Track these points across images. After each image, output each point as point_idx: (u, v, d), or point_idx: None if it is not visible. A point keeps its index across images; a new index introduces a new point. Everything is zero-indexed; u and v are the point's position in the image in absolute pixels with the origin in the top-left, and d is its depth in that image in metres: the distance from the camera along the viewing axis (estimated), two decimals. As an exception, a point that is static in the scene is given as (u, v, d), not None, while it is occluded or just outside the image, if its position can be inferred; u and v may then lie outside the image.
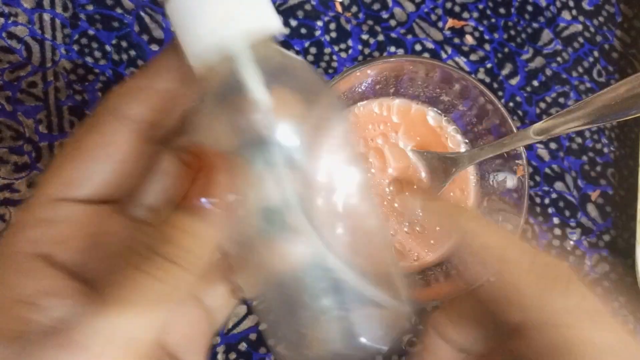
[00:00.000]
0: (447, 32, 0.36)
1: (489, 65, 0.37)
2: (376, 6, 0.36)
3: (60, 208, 0.19)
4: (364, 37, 0.36)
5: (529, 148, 0.36)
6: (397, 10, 0.36)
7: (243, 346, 0.32)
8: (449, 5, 0.37)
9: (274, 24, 0.15)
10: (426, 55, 0.36)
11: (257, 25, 0.15)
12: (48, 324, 0.18)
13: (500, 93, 0.37)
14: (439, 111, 0.33)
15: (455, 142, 0.33)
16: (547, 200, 0.36)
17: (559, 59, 0.38)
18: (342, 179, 0.16)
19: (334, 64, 0.35)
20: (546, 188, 0.36)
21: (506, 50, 0.37)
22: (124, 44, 0.33)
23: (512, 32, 0.37)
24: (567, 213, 0.36)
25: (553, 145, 0.37)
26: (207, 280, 0.20)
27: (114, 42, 0.33)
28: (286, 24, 0.35)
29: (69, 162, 0.19)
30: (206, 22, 0.15)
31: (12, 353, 0.16)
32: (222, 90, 0.16)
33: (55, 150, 0.32)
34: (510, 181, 0.30)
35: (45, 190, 0.19)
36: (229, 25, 0.15)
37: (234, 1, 0.15)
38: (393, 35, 0.36)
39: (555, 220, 0.36)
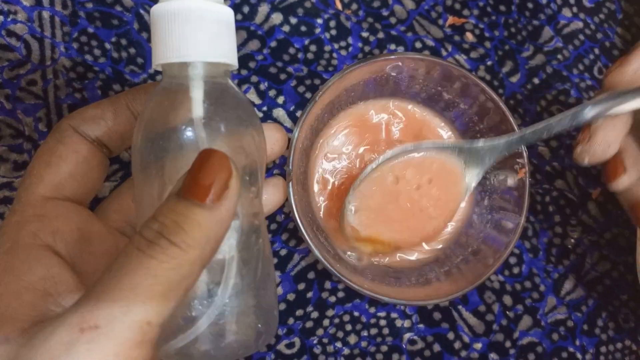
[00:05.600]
0: (448, 30, 0.36)
1: (489, 63, 0.37)
2: (376, 3, 0.36)
3: (53, 205, 0.21)
4: (364, 34, 0.35)
5: (530, 146, 0.36)
6: (397, 8, 0.36)
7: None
8: (449, 2, 0.37)
9: (230, 59, 0.20)
10: (426, 52, 0.36)
11: (215, 54, 0.19)
12: (59, 310, 0.18)
13: (500, 91, 0.37)
14: (439, 110, 0.33)
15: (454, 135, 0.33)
16: (547, 199, 0.36)
17: (559, 56, 0.37)
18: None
19: (334, 62, 0.35)
20: (547, 186, 0.36)
21: (507, 47, 0.37)
22: (123, 41, 0.33)
23: (513, 30, 0.37)
24: (567, 211, 0.36)
25: (554, 143, 0.37)
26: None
27: (113, 39, 0.33)
28: (286, 21, 0.35)
29: (49, 166, 0.21)
30: (176, 39, 0.19)
31: (29, 338, 0.17)
32: (170, 87, 0.20)
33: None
34: (511, 180, 0.30)
35: (36, 190, 0.21)
36: (193, 46, 0.19)
37: (204, 31, 0.19)
38: (393, 32, 0.36)
39: (556, 218, 0.36)
